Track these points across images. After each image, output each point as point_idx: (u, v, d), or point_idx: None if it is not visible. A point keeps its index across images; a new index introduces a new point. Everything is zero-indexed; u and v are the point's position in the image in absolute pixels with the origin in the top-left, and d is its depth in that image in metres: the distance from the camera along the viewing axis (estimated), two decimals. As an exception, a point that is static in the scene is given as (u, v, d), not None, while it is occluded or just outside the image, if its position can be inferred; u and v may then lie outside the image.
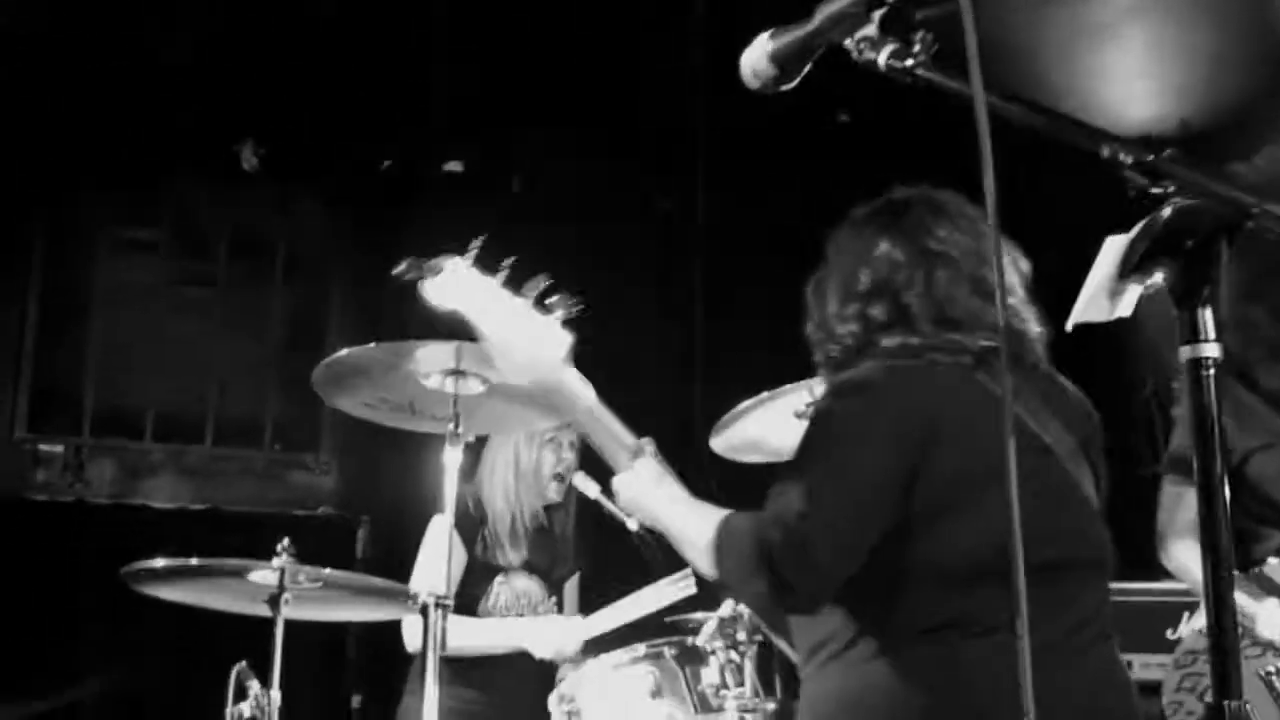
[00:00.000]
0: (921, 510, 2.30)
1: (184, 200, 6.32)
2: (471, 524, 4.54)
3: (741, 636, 3.66)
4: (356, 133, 6.09)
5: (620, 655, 3.69)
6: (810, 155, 6.06)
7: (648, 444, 2.58)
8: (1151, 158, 1.25)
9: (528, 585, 4.61)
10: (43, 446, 5.99)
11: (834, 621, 2.37)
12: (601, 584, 4.58)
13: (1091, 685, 2.36)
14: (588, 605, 4.63)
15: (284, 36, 5.65)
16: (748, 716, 3.48)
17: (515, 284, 2.51)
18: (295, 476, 6.33)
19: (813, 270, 2.67)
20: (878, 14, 1.60)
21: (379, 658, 5.58)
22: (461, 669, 4.37)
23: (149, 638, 5.56)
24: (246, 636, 3.63)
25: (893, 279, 2.49)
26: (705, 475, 3.00)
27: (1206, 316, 1.25)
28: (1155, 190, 1.25)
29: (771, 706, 3.54)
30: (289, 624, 3.56)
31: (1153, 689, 3.56)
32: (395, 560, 4.57)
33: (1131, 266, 1.25)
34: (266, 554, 3.49)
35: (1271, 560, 3.40)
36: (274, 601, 3.52)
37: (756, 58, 1.80)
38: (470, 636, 4.39)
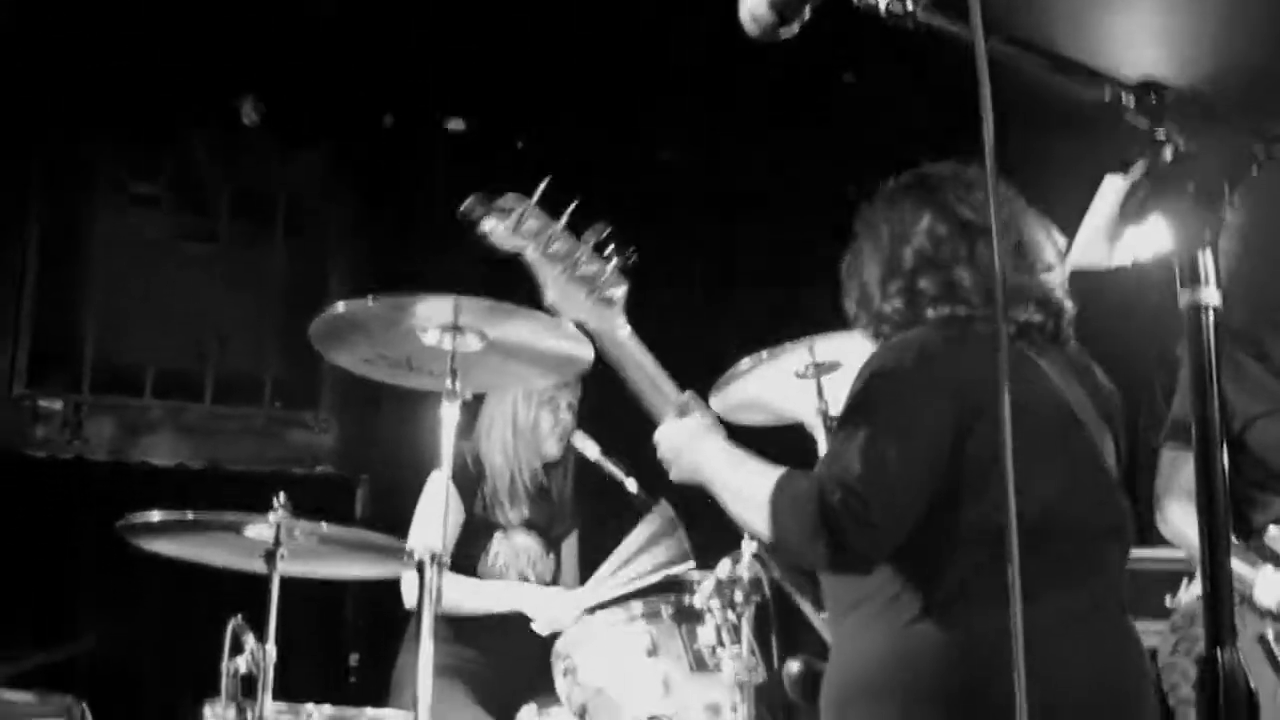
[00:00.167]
0: (967, 474, 2.31)
1: (185, 156, 6.29)
2: (470, 480, 4.54)
3: (738, 598, 3.65)
4: (359, 89, 6.05)
5: (617, 614, 3.69)
6: (815, 115, 6.03)
7: (693, 398, 2.61)
8: (1154, 100, 1.23)
9: (527, 542, 4.61)
10: (42, 403, 5.98)
11: (873, 579, 2.37)
12: (599, 544, 4.58)
13: (1113, 654, 2.40)
14: (585, 564, 4.63)
15: (286, -9, 5.62)
16: (743, 676, 3.48)
17: (576, 229, 2.50)
18: (295, 434, 6.32)
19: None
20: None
21: (377, 617, 5.58)
22: (459, 627, 4.37)
23: (146, 594, 5.58)
24: (244, 593, 3.64)
25: (939, 253, 2.52)
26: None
27: (1207, 261, 1.22)
28: (1157, 133, 1.23)
29: (763, 678, 3.54)
30: (287, 583, 3.56)
31: (1150, 656, 3.55)
32: (394, 518, 4.56)
33: (1132, 211, 1.23)
34: (264, 511, 3.48)
35: (1271, 529, 3.39)
36: (270, 556, 3.52)
37: (755, 2, 1.78)
38: (470, 596, 4.39)
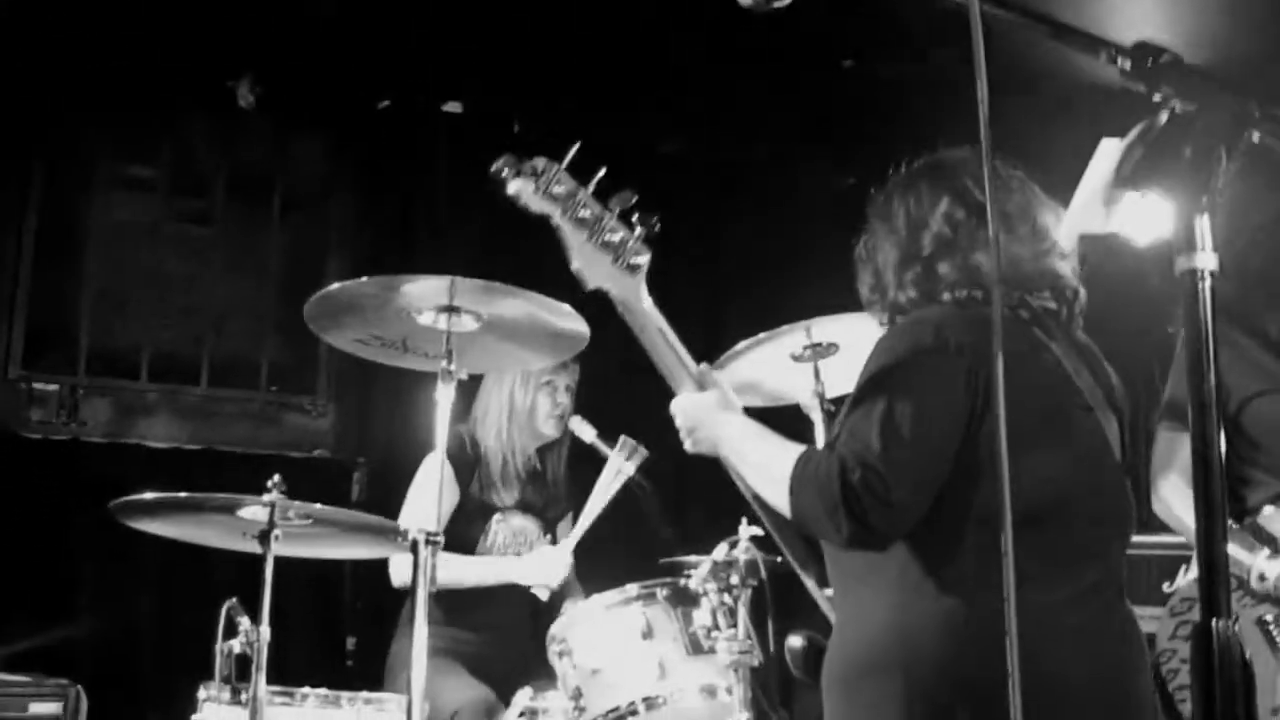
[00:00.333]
0: (979, 454, 2.31)
1: (181, 139, 6.26)
2: (466, 462, 4.54)
3: (734, 581, 3.65)
4: (355, 72, 6.02)
5: (612, 596, 3.69)
6: (813, 100, 6.01)
7: (710, 371, 2.61)
8: (1149, 63, 1.21)
9: (524, 524, 4.62)
10: (37, 385, 5.96)
11: (880, 556, 2.38)
12: (594, 528, 4.57)
13: (1112, 638, 2.41)
14: (580, 545, 4.64)
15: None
16: (739, 658, 3.48)
17: (603, 195, 2.49)
18: (291, 418, 6.30)
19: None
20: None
21: (374, 601, 5.58)
22: (454, 610, 4.37)
23: (143, 577, 5.57)
24: (240, 576, 3.63)
25: (957, 237, 2.52)
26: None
27: (1204, 226, 1.21)
28: (1153, 97, 1.22)
29: (758, 661, 3.53)
30: (284, 567, 3.56)
31: (1148, 641, 3.54)
32: (390, 503, 4.56)
33: (1127, 175, 1.21)
34: (260, 494, 3.48)
35: (1266, 509, 3.37)
36: (264, 537, 3.51)
37: (749, -26, 1.76)
38: (458, 572, 4.38)
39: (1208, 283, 1.21)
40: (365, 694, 3.78)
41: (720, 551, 3.67)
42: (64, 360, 6.02)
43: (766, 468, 2.44)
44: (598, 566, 4.52)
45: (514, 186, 2.44)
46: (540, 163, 2.45)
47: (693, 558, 3.97)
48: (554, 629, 3.76)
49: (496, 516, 4.56)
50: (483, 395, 4.66)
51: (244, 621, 3.51)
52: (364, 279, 3.37)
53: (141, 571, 5.53)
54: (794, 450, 2.40)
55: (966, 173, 2.57)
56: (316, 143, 6.42)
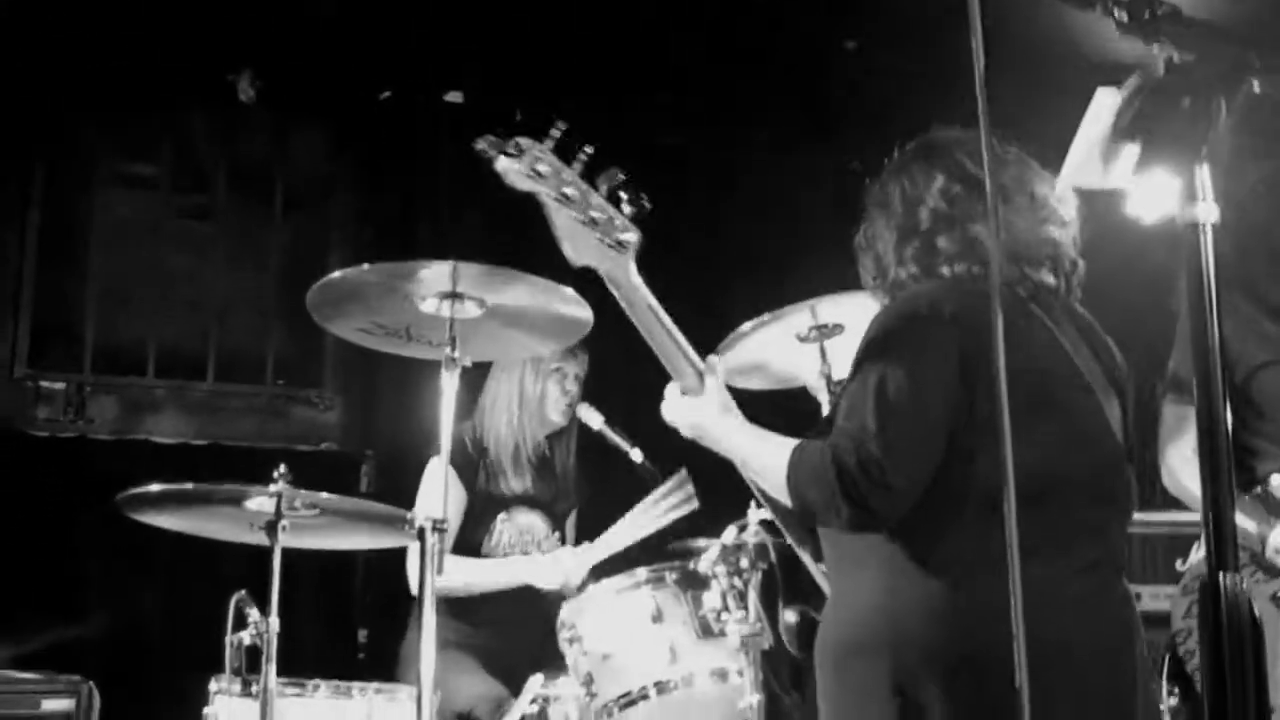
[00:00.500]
0: (976, 426, 2.31)
1: (182, 134, 6.25)
2: (470, 461, 4.54)
3: (744, 564, 3.63)
4: (355, 64, 6.01)
5: (621, 580, 3.67)
6: (815, 82, 6.00)
7: (716, 363, 2.64)
8: (1147, 13, 1.20)
9: (530, 521, 4.60)
10: (44, 383, 5.96)
11: (873, 535, 2.39)
12: (604, 515, 4.56)
13: (1106, 618, 2.41)
14: (587, 537, 4.62)
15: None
16: (750, 640, 3.46)
17: (590, 175, 2.50)
18: (298, 412, 6.30)
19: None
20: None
21: (386, 594, 5.58)
22: (465, 602, 4.37)
23: (152, 573, 5.58)
24: (250, 570, 3.63)
25: (955, 210, 2.52)
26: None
27: (1204, 176, 1.19)
28: (1151, 47, 1.20)
29: (769, 644, 3.52)
30: (296, 561, 3.56)
31: (1163, 620, 3.52)
32: (399, 495, 4.54)
33: (1125, 127, 1.20)
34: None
35: (1275, 479, 3.34)
36: (271, 528, 3.51)
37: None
38: (475, 576, 4.38)
39: (1209, 235, 1.20)
40: (376, 685, 3.78)
41: (729, 535, 3.65)
42: (69, 358, 6.02)
43: (768, 470, 2.48)
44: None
45: (498, 165, 2.45)
46: (525, 142, 2.46)
47: (701, 542, 3.96)
48: (563, 615, 3.75)
49: (501, 516, 4.55)
50: (491, 384, 4.65)
51: (253, 613, 3.51)
52: (366, 266, 3.36)
53: (151, 567, 5.54)
54: (790, 445, 2.44)
55: (959, 149, 2.57)
56: (317, 135, 6.41)
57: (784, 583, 3.66)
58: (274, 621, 3.47)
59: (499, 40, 5.79)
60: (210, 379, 6.20)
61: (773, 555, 3.62)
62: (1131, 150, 1.26)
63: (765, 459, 2.49)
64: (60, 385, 5.98)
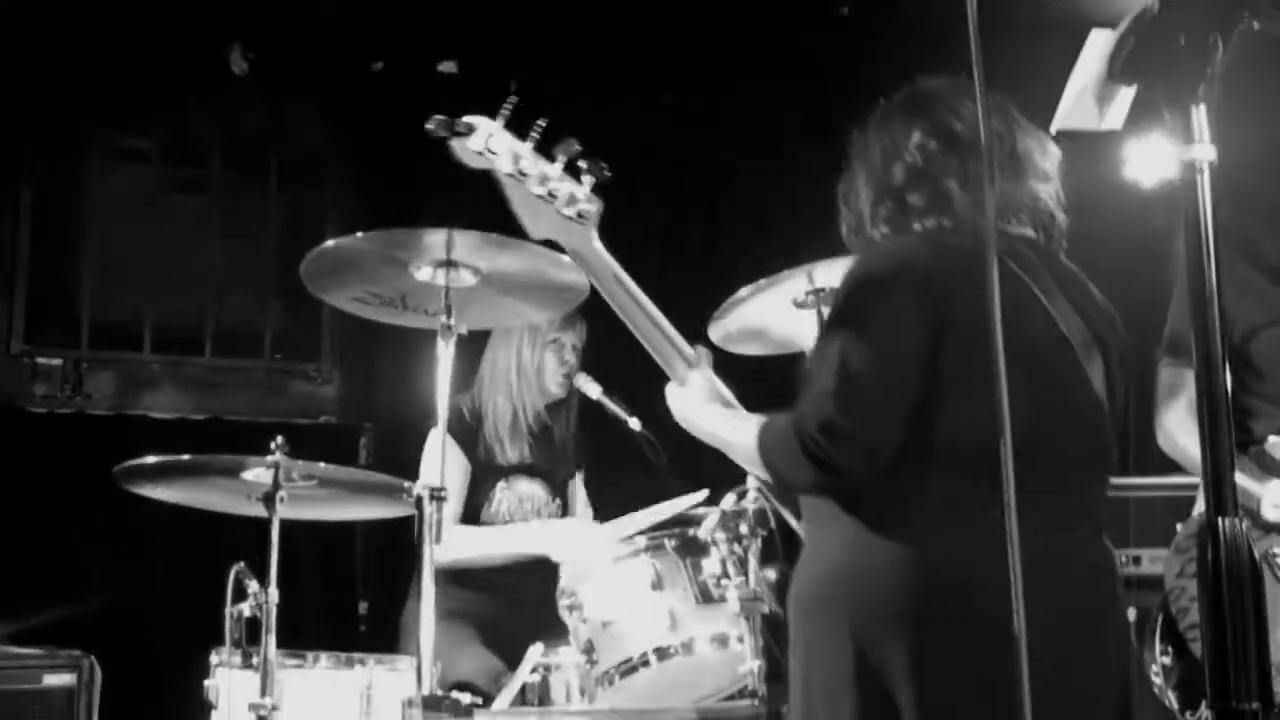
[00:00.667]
0: (942, 381, 2.32)
1: (174, 108, 6.22)
2: (469, 430, 4.52)
3: (744, 530, 3.63)
4: (348, 35, 5.98)
5: (620, 548, 3.67)
6: (811, 48, 5.97)
7: (703, 353, 2.68)
8: (1140, -48, 1.18)
9: (530, 489, 4.60)
10: (41, 360, 5.96)
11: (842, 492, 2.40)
12: (605, 484, 4.55)
13: (1078, 580, 2.38)
14: (596, 506, 4.62)
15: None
16: (750, 605, 3.46)
17: (546, 148, 2.49)
18: (296, 386, 6.30)
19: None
20: None
21: (386, 566, 5.58)
22: (464, 571, 4.36)
23: (151, 547, 5.58)
24: (249, 544, 3.62)
25: (930, 167, 2.51)
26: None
27: (1201, 116, 1.17)
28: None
29: (769, 609, 3.52)
30: (296, 535, 3.57)
31: (1160, 583, 3.51)
32: (398, 467, 4.52)
33: (1120, 66, 1.18)
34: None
35: (1272, 438, 3.34)
36: (269, 500, 3.51)
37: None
38: (486, 546, 4.38)
39: (1206, 174, 1.18)
40: (376, 656, 3.78)
41: (728, 502, 3.65)
42: (66, 334, 6.02)
43: (740, 447, 2.52)
44: (607, 521, 4.52)
45: (451, 145, 2.45)
46: (475, 120, 2.46)
47: (701, 510, 3.95)
48: (563, 583, 3.75)
49: (501, 484, 4.54)
50: (489, 355, 4.64)
51: (252, 584, 3.52)
52: (360, 234, 3.34)
53: (150, 542, 5.54)
54: (758, 421, 2.48)
55: (941, 102, 2.56)
56: (311, 108, 6.38)
57: (783, 548, 3.66)
58: (273, 593, 3.48)
59: (492, 8, 5.76)
60: (208, 354, 6.20)
61: (772, 521, 3.62)
62: (1126, 93, 1.25)
63: (739, 438, 2.52)
64: (57, 361, 5.98)
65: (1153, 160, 5.53)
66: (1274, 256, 3.33)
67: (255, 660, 3.51)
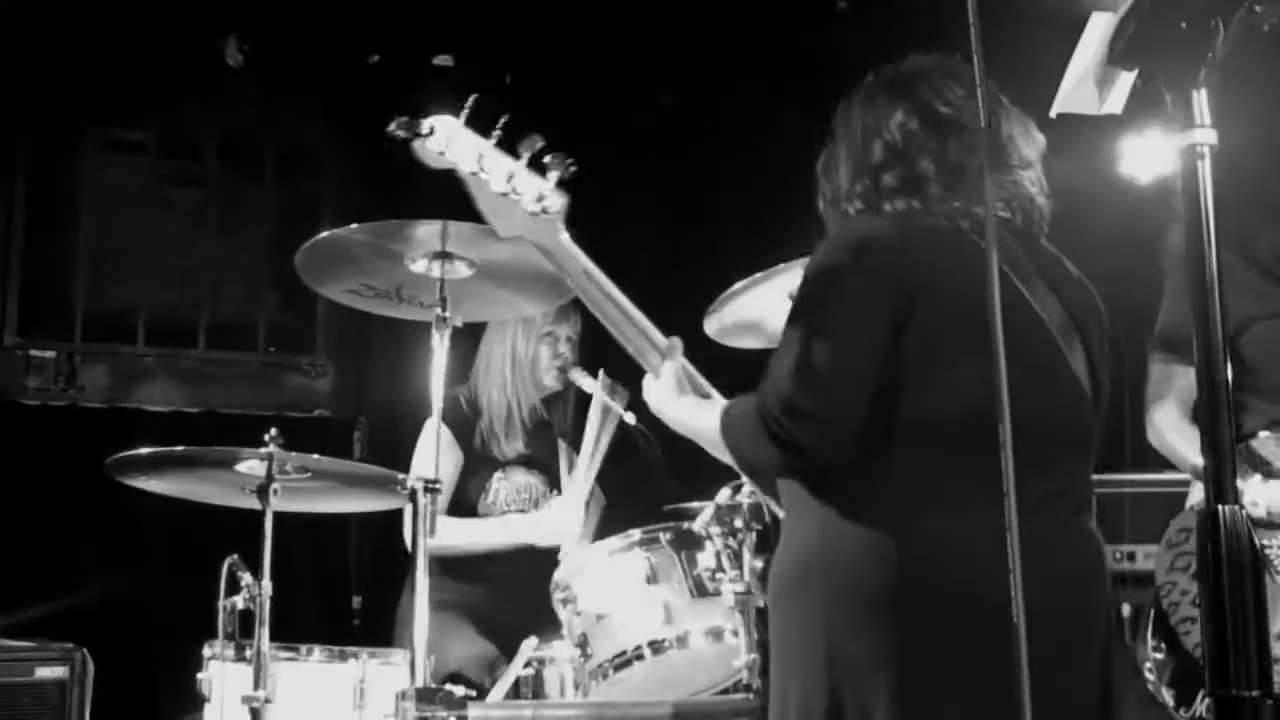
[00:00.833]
0: (910, 360, 2.31)
1: (169, 99, 6.21)
2: (465, 421, 4.52)
3: (739, 524, 3.62)
4: (343, 28, 5.97)
5: (615, 542, 3.66)
6: (811, 47, 5.96)
7: (676, 344, 2.67)
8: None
9: (527, 480, 4.59)
10: (34, 352, 5.95)
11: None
12: (600, 478, 4.54)
13: (1059, 558, 2.35)
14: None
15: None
16: (744, 599, 3.45)
17: (509, 145, 2.48)
18: (290, 379, 6.29)
19: (811, 157, 2.65)
20: None
21: (380, 559, 5.58)
22: (460, 563, 4.36)
23: (145, 541, 5.58)
24: (243, 538, 3.62)
25: (908, 147, 2.50)
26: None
27: (1202, 100, 1.17)
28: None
29: (764, 603, 3.51)
30: (289, 530, 3.56)
31: (1153, 578, 3.51)
32: (392, 461, 4.52)
33: (1121, 50, 1.17)
34: (258, 452, 3.47)
35: (1262, 434, 3.34)
36: (263, 492, 3.50)
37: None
38: (472, 536, 4.37)
39: (1207, 159, 1.17)
40: (370, 649, 3.77)
41: (723, 495, 3.64)
42: (60, 326, 6.02)
43: (708, 435, 2.52)
44: (603, 515, 4.51)
45: (413, 147, 2.45)
46: (436, 120, 2.46)
47: (696, 504, 3.95)
48: (557, 576, 3.74)
49: (498, 474, 4.54)
50: (484, 348, 4.63)
51: (246, 577, 3.51)
52: (354, 226, 3.33)
53: (143, 535, 5.54)
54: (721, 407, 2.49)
55: (926, 82, 2.55)
56: (306, 100, 6.37)
57: (776, 542, 3.65)
58: (267, 585, 3.47)
59: (489, 5, 5.75)
60: (201, 346, 6.20)
61: (767, 515, 3.61)
62: (1127, 77, 1.24)
63: (706, 424, 2.52)
64: (51, 354, 5.97)
65: (1149, 156, 5.53)
66: (1265, 251, 3.33)
67: (248, 653, 3.49)
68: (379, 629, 4.69)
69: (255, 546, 3.51)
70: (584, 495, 4.40)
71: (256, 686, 3.42)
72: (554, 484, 4.67)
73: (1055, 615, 2.29)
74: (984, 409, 2.17)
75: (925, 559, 2.27)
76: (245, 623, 3.55)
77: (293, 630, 3.67)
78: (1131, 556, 4.91)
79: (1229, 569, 1.17)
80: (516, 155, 2.48)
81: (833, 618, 2.32)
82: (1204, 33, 1.16)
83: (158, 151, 6.27)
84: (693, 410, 2.61)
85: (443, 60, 6.12)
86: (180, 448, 3.47)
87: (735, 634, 3.46)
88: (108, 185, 6.15)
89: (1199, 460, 1.47)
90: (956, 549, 2.26)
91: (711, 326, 3.72)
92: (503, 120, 2.46)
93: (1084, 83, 1.33)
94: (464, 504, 4.47)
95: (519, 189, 2.47)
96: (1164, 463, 3.64)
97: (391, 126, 2.47)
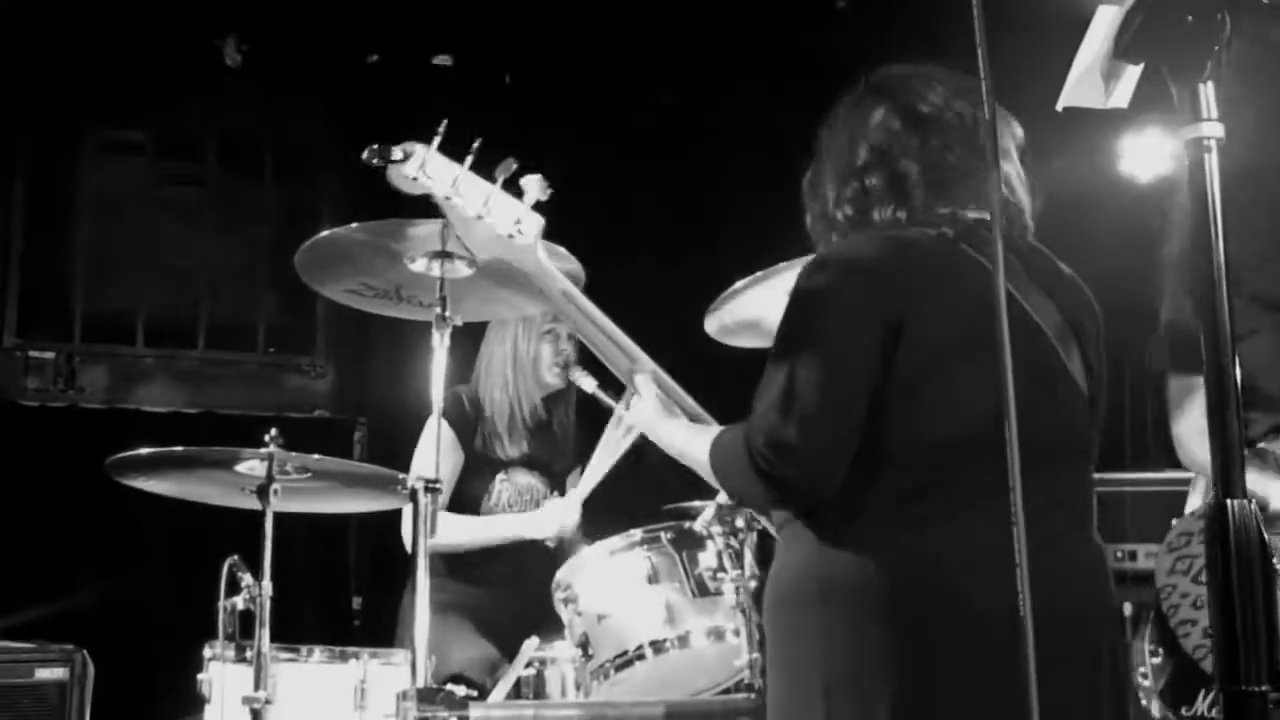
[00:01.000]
0: (902, 380, 2.27)
1: (168, 100, 6.21)
2: (467, 420, 4.51)
3: (740, 523, 3.61)
4: (342, 27, 5.97)
5: (616, 541, 3.65)
6: (811, 47, 5.96)
7: (647, 364, 2.67)
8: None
9: (530, 481, 4.59)
10: (33, 353, 5.96)
11: None
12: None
13: (1060, 569, 2.32)
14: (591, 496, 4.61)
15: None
16: (745, 600, 3.44)
17: (484, 168, 2.49)
18: (290, 379, 6.29)
19: (810, 152, 2.64)
20: None
21: (381, 562, 5.57)
22: (461, 564, 4.36)
23: (145, 542, 5.57)
24: (243, 539, 3.61)
25: (890, 147, 2.46)
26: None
27: (1209, 94, 1.16)
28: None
29: (753, 584, 3.51)
30: (290, 531, 3.55)
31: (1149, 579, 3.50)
32: (393, 461, 4.51)
33: (1127, 44, 1.16)
34: (258, 453, 3.47)
35: (1269, 438, 3.32)
36: (263, 492, 3.49)
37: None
38: (469, 533, 4.37)
39: (1214, 152, 1.16)
40: (371, 650, 3.76)
41: (724, 495, 3.63)
42: (59, 327, 6.02)
43: (699, 462, 2.50)
44: (603, 516, 4.50)
45: (388, 175, 2.45)
46: (410, 146, 2.47)
47: (698, 503, 3.94)
48: (559, 576, 3.73)
49: (500, 475, 4.54)
50: (485, 348, 4.63)
51: (246, 578, 3.50)
52: (354, 225, 3.32)
53: (143, 535, 5.54)
54: (711, 436, 2.47)
55: (905, 85, 2.52)
56: (306, 100, 6.38)
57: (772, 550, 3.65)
58: (267, 586, 3.45)
59: (489, 4, 5.75)
60: (201, 347, 6.20)
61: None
62: (1133, 71, 1.23)
63: (695, 453, 2.51)
64: (50, 355, 5.97)
65: (1149, 154, 5.52)
66: (1259, 286, 3.32)
67: (249, 653, 3.48)
68: (379, 629, 4.68)
69: (255, 547, 3.50)
70: (584, 496, 4.40)
71: (257, 687, 3.41)
72: (555, 485, 4.66)
73: (1056, 623, 2.27)
74: (982, 423, 2.18)
75: (923, 573, 2.25)
76: (245, 623, 3.55)
77: (293, 631, 3.67)
78: (1133, 556, 4.92)
79: (1238, 563, 1.16)
80: (493, 179, 2.47)
81: (830, 633, 2.30)
82: (1210, 26, 1.16)
83: (157, 152, 6.27)
84: (683, 435, 2.60)
85: (443, 60, 6.12)
86: (180, 448, 3.46)
87: (737, 634, 3.44)
88: (107, 186, 6.15)
89: None
90: (954, 562, 2.24)
91: (712, 325, 3.71)
92: (476, 144, 2.46)
93: (1090, 76, 1.32)
94: (467, 505, 4.47)
95: (494, 212, 2.47)
96: (1164, 462, 3.63)
97: (365, 155, 2.47)
